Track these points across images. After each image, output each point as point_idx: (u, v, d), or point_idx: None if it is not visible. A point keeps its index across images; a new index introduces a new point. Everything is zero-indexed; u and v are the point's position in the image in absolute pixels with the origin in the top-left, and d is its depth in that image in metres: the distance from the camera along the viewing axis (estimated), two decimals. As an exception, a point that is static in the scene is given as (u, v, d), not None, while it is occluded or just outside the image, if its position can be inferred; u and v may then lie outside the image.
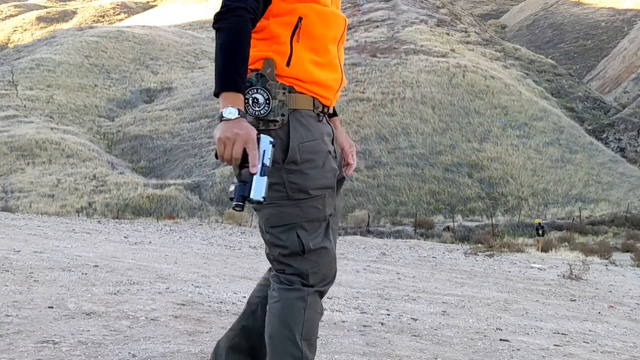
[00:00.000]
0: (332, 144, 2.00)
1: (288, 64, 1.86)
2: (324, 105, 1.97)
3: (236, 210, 1.66)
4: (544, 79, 71.95)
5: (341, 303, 5.36)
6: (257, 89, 1.80)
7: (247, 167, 1.68)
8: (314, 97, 1.91)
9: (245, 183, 1.68)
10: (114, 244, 11.25)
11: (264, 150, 1.71)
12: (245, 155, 1.68)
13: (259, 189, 1.67)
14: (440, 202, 40.53)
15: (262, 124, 1.81)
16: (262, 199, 1.66)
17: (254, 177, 1.67)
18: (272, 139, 1.73)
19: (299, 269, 1.88)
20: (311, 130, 1.88)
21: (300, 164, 1.83)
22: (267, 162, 1.70)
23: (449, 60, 61.32)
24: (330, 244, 1.93)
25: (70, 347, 3.01)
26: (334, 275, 1.98)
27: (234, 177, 1.68)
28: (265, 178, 1.68)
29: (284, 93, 1.83)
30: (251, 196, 1.66)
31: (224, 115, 1.68)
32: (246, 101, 1.79)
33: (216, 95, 1.73)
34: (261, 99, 1.80)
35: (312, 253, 1.87)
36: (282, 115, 1.83)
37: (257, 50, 1.85)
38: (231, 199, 1.68)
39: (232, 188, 1.70)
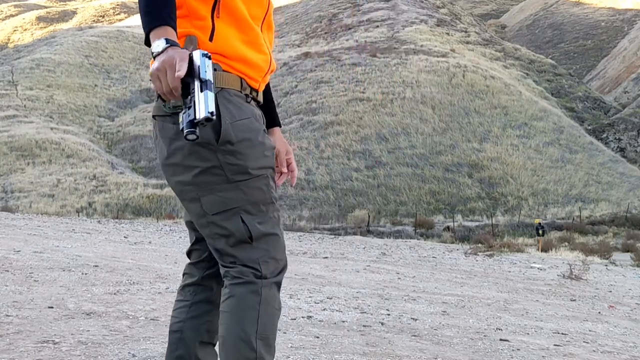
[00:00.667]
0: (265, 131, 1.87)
1: (211, 39, 1.73)
2: (252, 88, 1.83)
3: (188, 139, 1.51)
4: (544, 79, 71.95)
5: (341, 303, 5.36)
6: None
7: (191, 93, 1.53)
8: (241, 77, 1.78)
9: (189, 108, 1.51)
10: (114, 244, 11.25)
11: (199, 65, 1.53)
12: (184, 84, 1.53)
13: (202, 105, 1.49)
14: (440, 202, 40.52)
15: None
16: (209, 114, 1.48)
17: (195, 95, 1.50)
18: (206, 52, 1.56)
19: (249, 258, 1.73)
20: (242, 109, 1.75)
21: (236, 143, 1.69)
22: (206, 76, 1.52)
23: (449, 60, 61.32)
24: (280, 230, 1.80)
25: (70, 347, 3.01)
26: (286, 264, 1.84)
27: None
28: (209, 93, 1.50)
29: (214, 70, 1.68)
30: (197, 116, 1.49)
31: (152, 51, 1.54)
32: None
33: (147, 42, 1.60)
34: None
35: (260, 240, 1.73)
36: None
37: (177, 28, 1.68)
38: (181, 130, 1.53)
39: (180, 119, 1.55)
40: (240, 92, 1.78)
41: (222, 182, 1.70)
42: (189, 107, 1.52)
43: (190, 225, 1.97)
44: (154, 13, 1.59)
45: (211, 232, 1.75)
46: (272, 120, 2.04)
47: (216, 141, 1.67)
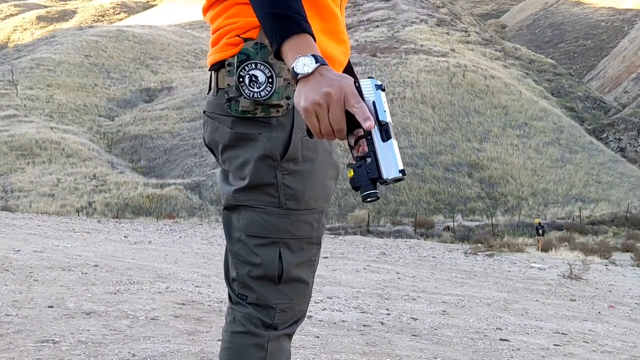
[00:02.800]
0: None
1: None
2: None
3: (369, 201, 1.20)
4: (544, 79, 71.95)
5: (341, 303, 5.36)
6: (255, 64, 1.37)
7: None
8: None
9: (366, 159, 1.20)
10: (114, 243, 11.25)
11: (373, 101, 1.21)
12: (350, 118, 1.21)
13: (389, 159, 1.18)
14: (440, 202, 40.53)
15: (261, 109, 1.38)
16: (399, 173, 1.18)
17: (376, 145, 1.19)
18: (378, 82, 1.24)
19: (267, 299, 1.42)
20: None
21: (300, 162, 1.40)
22: (386, 118, 1.20)
23: (449, 59, 61.32)
24: (312, 279, 1.49)
25: (70, 347, 3.01)
26: (304, 316, 1.53)
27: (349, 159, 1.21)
28: (393, 143, 1.20)
29: (289, 69, 1.29)
30: (384, 176, 1.17)
31: (296, 71, 1.22)
32: (241, 80, 1.38)
33: (277, 54, 1.27)
34: (261, 77, 1.37)
35: (288, 284, 1.43)
36: (288, 98, 1.38)
37: (250, 15, 1.41)
38: (356, 188, 1.21)
39: (351, 174, 1.22)
40: None
41: (271, 205, 1.41)
42: (364, 158, 1.20)
43: None
44: (287, 16, 1.26)
45: (237, 253, 1.46)
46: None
47: (281, 157, 1.39)
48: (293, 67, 1.23)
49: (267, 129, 1.38)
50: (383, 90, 1.23)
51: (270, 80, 1.37)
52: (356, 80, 1.23)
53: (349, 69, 1.65)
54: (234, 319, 1.46)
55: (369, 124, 1.17)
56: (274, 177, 1.40)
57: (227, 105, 1.42)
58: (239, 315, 1.45)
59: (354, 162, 1.23)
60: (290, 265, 1.42)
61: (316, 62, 1.21)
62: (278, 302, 1.43)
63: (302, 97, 1.21)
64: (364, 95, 1.21)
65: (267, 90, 1.36)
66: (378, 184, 1.20)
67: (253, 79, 1.37)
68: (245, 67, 1.38)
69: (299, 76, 1.21)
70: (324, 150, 1.46)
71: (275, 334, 1.44)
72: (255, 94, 1.37)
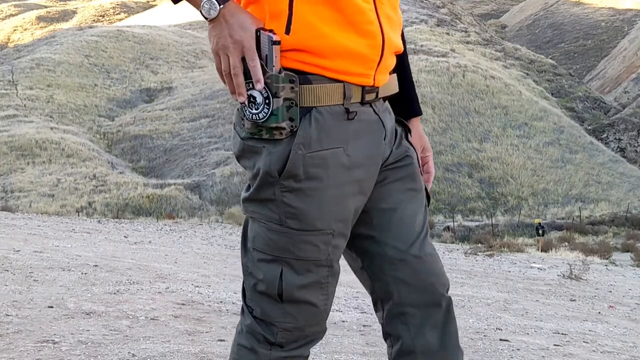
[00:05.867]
0: (378, 147, 1.39)
1: (288, 30, 1.28)
2: (365, 89, 1.34)
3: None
4: (544, 79, 71.94)
5: (341, 303, 5.36)
6: (251, 82, 1.27)
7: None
8: (341, 81, 1.31)
9: (253, 101, 1.27)
10: (114, 243, 11.25)
11: (266, 55, 1.25)
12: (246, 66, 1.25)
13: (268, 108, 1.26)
14: (440, 202, 40.52)
15: (265, 131, 1.29)
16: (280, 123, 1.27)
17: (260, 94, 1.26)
18: (273, 36, 1.25)
19: (268, 316, 1.36)
20: (330, 135, 1.30)
21: (302, 180, 1.29)
22: (272, 70, 1.26)
23: (449, 60, 61.32)
24: (324, 302, 1.38)
25: (70, 347, 3.00)
26: (320, 333, 1.43)
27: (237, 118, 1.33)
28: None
29: (292, 87, 1.26)
30: (262, 121, 1.28)
31: (203, 14, 1.23)
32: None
33: None
34: (259, 98, 1.27)
35: (293, 304, 1.34)
36: (291, 119, 1.28)
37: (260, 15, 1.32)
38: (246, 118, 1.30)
39: (235, 113, 1.33)
40: (342, 104, 1.32)
41: (272, 221, 1.33)
42: (251, 99, 1.28)
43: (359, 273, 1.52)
44: None
45: (246, 264, 1.41)
46: (409, 109, 1.55)
47: (279, 174, 1.29)
48: (200, 11, 1.24)
49: (271, 143, 1.31)
50: (277, 43, 1.26)
51: (267, 101, 1.26)
52: (258, 30, 1.25)
53: (401, 64, 1.49)
54: (242, 330, 1.42)
55: (259, 85, 1.23)
56: (272, 193, 1.32)
57: (238, 126, 1.38)
58: (245, 328, 1.41)
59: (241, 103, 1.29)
60: (293, 287, 1.33)
61: (219, 4, 1.22)
62: (281, 320, 1.36)
63: (211, 40, 1.26)
64: (261, 47, 1.25)
65: (265, 112, 1.27)
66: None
67: (251, 99, 1.28)
68: (246, 86, 1.29)
69: (208, 19, 1.24)
70: (337, 166, 1.31)
71: (280, 353, 1.37)
72: (254, 115, 1.28)
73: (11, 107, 60.19)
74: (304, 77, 1.28)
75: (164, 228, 21.04)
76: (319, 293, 1.36)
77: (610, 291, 9.24)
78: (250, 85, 1.27)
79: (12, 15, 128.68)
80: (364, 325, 4.33)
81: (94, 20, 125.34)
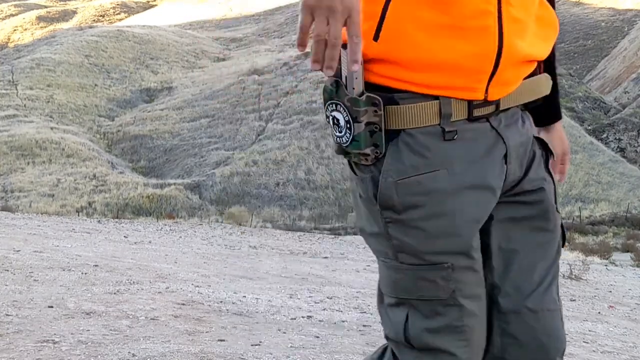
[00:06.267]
0: (499, 167, 1.17)
1: (377, 37, 1.10)
2: (470, 103, 1.13)
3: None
4: (544, 79, 71.98)
5: (341, 303, 5.36)
6: (335, 104, 1.12)
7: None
8: (438, 97, 1.12)
9: (336, 123, 1.13)
10: (114, 243, 11.25)
11: (345, 76, 1.11)
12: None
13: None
14: (440, 202, 40.60)
15: (353, 155, 1.15)
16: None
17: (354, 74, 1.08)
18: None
19: None
20: (425, 158, 1.12)
21: (402, 212, 1.13)
22: (354, 91, 1.10)
23: (449, 60, 61.42)
24: (464, 348, 1.17)
25: (70, 347, 3.01)
26: None
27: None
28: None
29: (376, 111, 1.10)
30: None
31: None
32: (328, 120, 1.17)
33: None
34: (342, 121, 1.13)
35: (427, 352, 1.17)
36: (375, 145, 1.12)
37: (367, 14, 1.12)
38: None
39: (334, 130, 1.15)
40: (439, 125, 1.12)
41: (388, 257, 1.18)
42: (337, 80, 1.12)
43: None
44: None
45: (379, 309, 1.26)
46: (551, 113, 1.37)
47: (376, 200, 1.15)
48: None
49: (360, 168, 1.17)
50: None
51: (348, 125, 1.12)
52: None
53: (549, 68, 1.28)
54: None
55: (355, 66, 1.03)
56: (380, 225, 1.16)
57: (331, 136, 1.23)
58: None
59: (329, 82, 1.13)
60: (421, 332, 1.16)
61: None
62: None
63: None
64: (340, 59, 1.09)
65: (347, 137, 1.13)
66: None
67: (335, 121, 1.14)
68: (329, 107, 1.15)
69: None
70: (439, 191, 1.13)
71: None
72: (339, 138, 1.15)
73: (11, 107, 60.23)
74: (389, 97, 1.11)
75: (164, 228, 21.05)
76: (456, 339, 1.16)
77: (610, 291, 9.24)
78: (334, 106, 1.13)
79: (12, 15, 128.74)
80: (364, 325, 4.33)
81: (94, 20, 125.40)
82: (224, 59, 78.18)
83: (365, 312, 4.95)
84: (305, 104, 54.06)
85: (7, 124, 54.78)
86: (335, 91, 1.12)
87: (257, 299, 5.02)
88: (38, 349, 2.92)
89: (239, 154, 47.58)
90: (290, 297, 5.41)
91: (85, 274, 5.70)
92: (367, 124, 1.11)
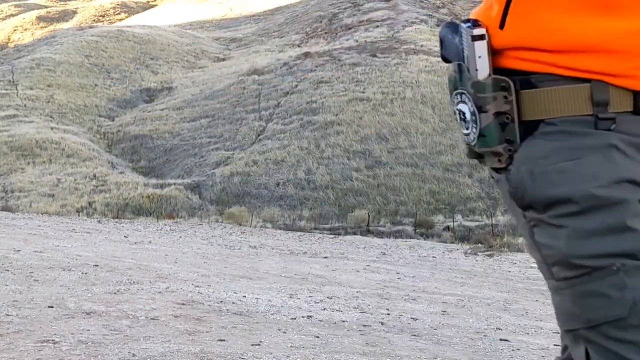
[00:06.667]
0: None
1: (502, 24, 0.93)
2: (637, 93, 0.91)
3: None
4: (544, 79, 72.08)
5: (341, 303, 5.36)
6: (461, 94, 0.97)
7: None
8: (590, 81, 0.90)
9: (463, 118, 1.01)
10: (114, 243, 11.25)
11: (466, 55, 0.95)
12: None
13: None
14: (440, 202, 40.54)
15: (487, 158, 0.98)
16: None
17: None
18: (474, 30, 0.94)
19: None
20: (571, 145, 0.90)
21: (546, 208, 0.91)
22: (477, 74, 0.94)
23: (449, 60, 61.39)
24: None
25: (70, 347, 3.01)
26: None
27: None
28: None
29: (506, 97, 0.92)
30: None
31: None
32: (455, 114, 1.02)
33: None
34: (467, 113, 0.96)
35: None
36: (509, 141, 0.93)
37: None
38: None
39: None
40: (591, 115, 0.90)
41: (548, 277, 0.96)
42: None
43: None
44: None
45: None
46: None
47: (512, 198, 0.96)
48: None
49: (494, 170, 1.02)
50: (483, 40, 0.94)
51: (474, 117, 0.95)
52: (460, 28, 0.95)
53: None
54: None
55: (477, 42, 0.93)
56: (528, 233, 0.96)
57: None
58: None
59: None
60: None
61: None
62: None
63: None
64: (463, 44, 0.96)
65: (474, 133, 0.96)
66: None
67: (461, 116, 0.98)
68: (454, 98, 0.99)
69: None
70: (589, 179, 0.88)
71: None
72: (466, 137, 0.99)
73: (11, 107, 60.23)
74: (523, 80, 0.92)
75: (164, 228, 21.05)
76: None
77: (610, 291, 9.24)
78: (459, 97, 0.97)
79: (12, 15, 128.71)
80: (364, 325, 4.33)
81: (94, 20, 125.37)
82: (224, 59, 78.15)
83: (365, 312, 4.95)
84: (305, 104, 54.07)
85: (7, 124, 54.79)
86: (459, 78, 0.95)
87: (257, 298, 5.02)
88: (38, 349, 2.92)
89: (239, 154, 47.58)
90: (290, 297, 5.41)
91: (86, 274, 5.70)
92: (496, 114, 0.92)
